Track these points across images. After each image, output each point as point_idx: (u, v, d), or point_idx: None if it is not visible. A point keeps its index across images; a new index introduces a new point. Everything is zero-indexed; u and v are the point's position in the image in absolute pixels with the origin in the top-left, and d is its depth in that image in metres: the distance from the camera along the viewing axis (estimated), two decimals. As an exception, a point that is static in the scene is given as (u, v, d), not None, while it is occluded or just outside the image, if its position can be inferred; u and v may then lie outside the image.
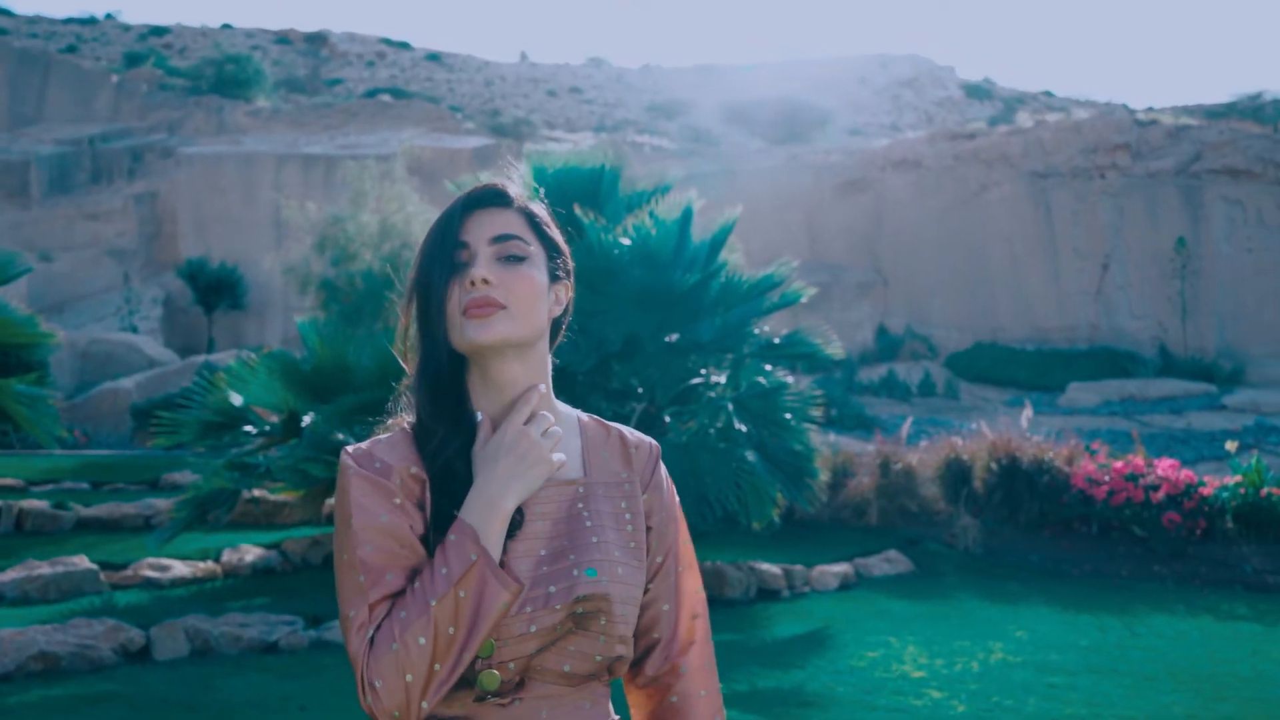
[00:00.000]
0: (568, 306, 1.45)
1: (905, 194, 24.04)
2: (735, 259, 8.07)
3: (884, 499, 9.81)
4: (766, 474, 7.48)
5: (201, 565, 7.13)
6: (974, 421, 15.74)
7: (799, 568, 8.10)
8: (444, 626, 1.24)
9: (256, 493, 7.85)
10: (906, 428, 10.79)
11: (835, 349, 7.99)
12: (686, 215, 8.11)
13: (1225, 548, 8.98)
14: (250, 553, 7.42)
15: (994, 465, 9.57)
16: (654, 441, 1.49)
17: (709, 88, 43.76)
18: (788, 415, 7.88)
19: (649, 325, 7.68)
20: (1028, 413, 10.40)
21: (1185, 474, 9.27)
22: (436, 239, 1.37)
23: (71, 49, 38.02)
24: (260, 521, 8.29)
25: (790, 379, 8.36)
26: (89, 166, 26.52)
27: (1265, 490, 9.01)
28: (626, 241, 7.84)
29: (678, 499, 1.50)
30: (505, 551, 1.31)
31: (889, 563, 8.80)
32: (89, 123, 29.04)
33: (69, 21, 44.97)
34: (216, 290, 21.38)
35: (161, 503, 8.38)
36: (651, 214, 8.04)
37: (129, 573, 6.84)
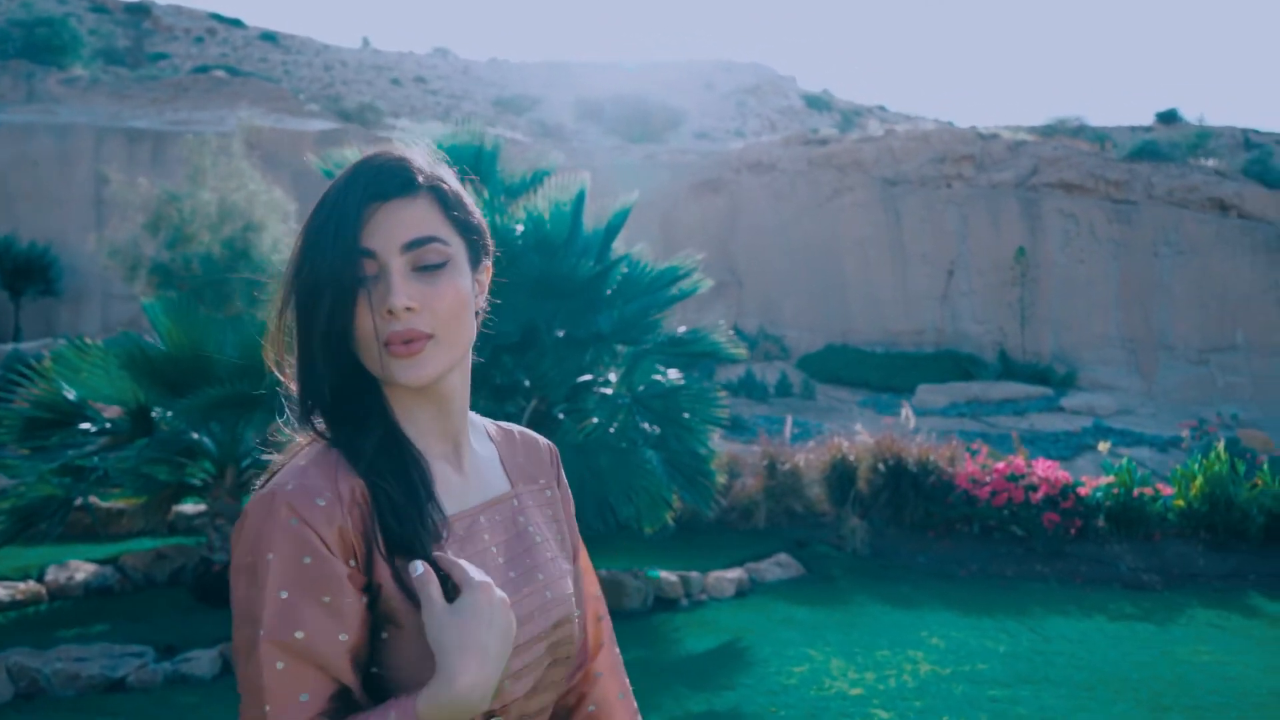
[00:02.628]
0: (488, 286, 1.25)
1: (760, 196, 24.18)
2: (640, 249, 7.59)
3: (771, 501, 9.55)
4: (666, 476, 7.05)
5: (21, 586, 6.09)
6: (833, 421, 15.79)
7: (695, 574, 7.71)
8: None
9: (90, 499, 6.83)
10: (789, 429, 10.59)
11: (739, 350, 7.66)
12: (579, 199, 7.61)
13: (1100, 546, 9.13)
14: (81, 570, 6.41)
15: (880, 466, 9.46)
16: (550, 441, 1.37)
17: (557, 84, 43.31)
18: (686, 414, 7.49)
19: (544, 316, 7.12)
20: (908, 411, 10.37)
21: (1062, 475, 9.40)
22: (329, 243, 1.06)
23: None
24: (92, 532, 7.24)
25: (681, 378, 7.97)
26: None
27: (1137, 491, 9.22)
28: (519, 227, 7.27)
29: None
30: None
31: (780, 566, 8.54)
32: None
33: None
34: (25, 273, 19.18)
35: (-32, 512, 7.21)
36: (544, 196, 7.50)
37: (-70, 597, 5.78)
